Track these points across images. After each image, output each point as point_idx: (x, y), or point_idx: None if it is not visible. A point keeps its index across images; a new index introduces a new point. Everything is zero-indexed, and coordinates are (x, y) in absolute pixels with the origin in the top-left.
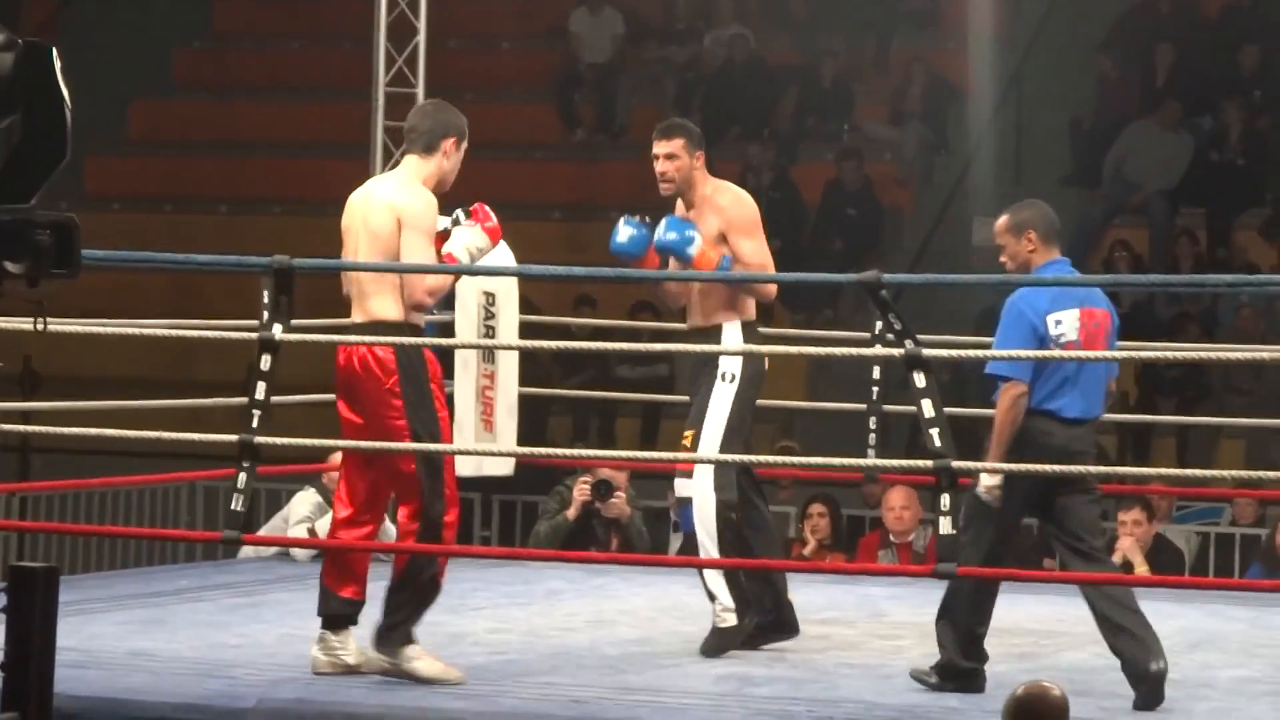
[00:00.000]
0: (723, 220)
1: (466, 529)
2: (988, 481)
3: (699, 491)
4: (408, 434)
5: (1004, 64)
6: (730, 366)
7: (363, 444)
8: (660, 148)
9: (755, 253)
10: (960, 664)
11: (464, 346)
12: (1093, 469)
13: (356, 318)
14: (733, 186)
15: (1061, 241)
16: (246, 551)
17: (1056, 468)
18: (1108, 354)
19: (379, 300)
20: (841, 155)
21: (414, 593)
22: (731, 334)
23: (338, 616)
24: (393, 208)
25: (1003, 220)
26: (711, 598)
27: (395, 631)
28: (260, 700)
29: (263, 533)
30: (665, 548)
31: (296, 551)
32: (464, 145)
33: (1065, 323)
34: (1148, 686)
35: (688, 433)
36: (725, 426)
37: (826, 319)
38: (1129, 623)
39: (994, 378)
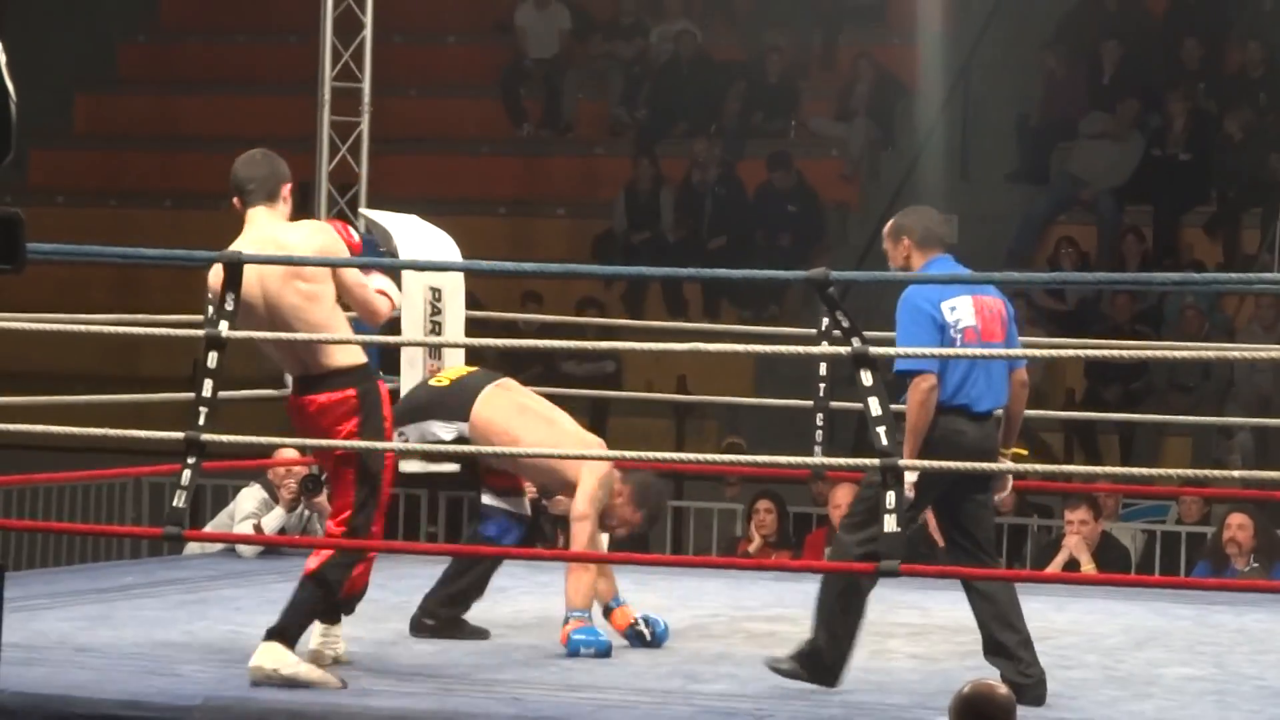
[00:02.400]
0: None
1: (413, 525)
2: (910, 479)
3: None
4: (369, 466)
5: (951, 60)
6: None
7: (330, 443)
8: None
9: None
10: (824, 659)
11: (410, 344)
12: (1039, 467)
13: (300, 370)
14: None
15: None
16: (193, 548)
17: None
18: (1024, 348)
19: (332, 351)
20: (774, 161)
21: (314, 600)
22: None
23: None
24: (315, 248)
25: (887, 225)
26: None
27: (287, 634)
28: (206, 698)
29: (209, 529)
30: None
31: (242, 548)
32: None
33: (960, 308)
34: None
35: None
36: None
37: (773, 315)
38: (1010, 640)
39: (904, 374)
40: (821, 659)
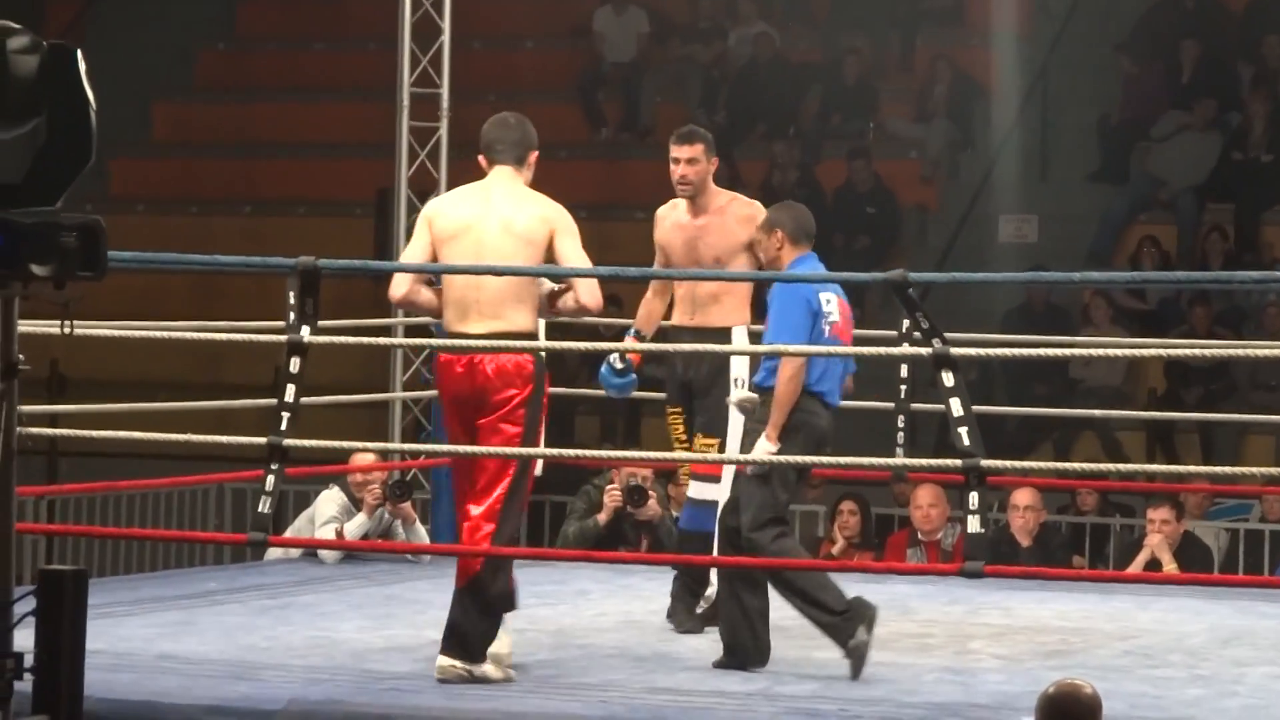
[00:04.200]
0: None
1: None
2: (770, 447)
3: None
4: (518, 442)
5: (1029, 61)
6: (741, 372)
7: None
8: (681, 152)
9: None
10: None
11: (489, 350)
12: (1121, 466)
13: (482, 327)
14: (755, 203)
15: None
16: (274, 552)
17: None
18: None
19: (517, 311)
20: (852, 154)
21: (487, 602)
22: (741, 337)
23: None
24: (545, 218)
25: (762, 219)
26: (703, 589)
27: (473, 641)
28: (290, 702)
29: (288, 533)
30: None
31: (324, 553)
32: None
33: (832, 304)
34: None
35: (710, 440)
36: (740, 434)
37: (854, 318)
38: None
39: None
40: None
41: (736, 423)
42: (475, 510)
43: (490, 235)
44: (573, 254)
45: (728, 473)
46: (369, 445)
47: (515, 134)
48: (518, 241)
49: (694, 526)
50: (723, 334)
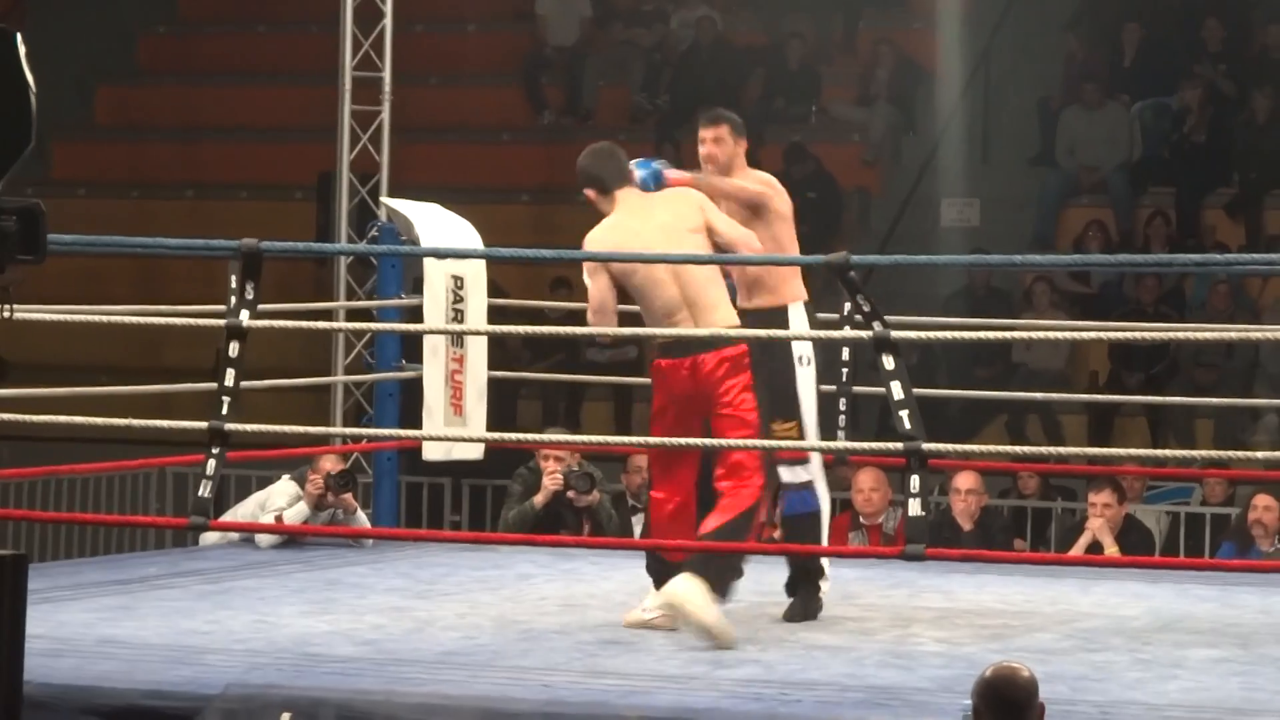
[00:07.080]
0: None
1: (436, 513)
2: None
3: (821, 481)
4: (758, 422)
5: (972, 44)
6: (804, 350)
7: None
8: (707, 133)
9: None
10: None
11: (432, 332)
12: (1063, 450)
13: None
14: (770, 178)
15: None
16: (209, 537)
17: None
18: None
19: (721, 302)
20: (791, 154)
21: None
22: (797, 315)
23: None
24: (691, 201)
25: None
26: (818, 573)
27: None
28: (229, 686)
29: (235, 518)
30: (632, 530)
31: (260, 538)
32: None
33: None
34: None
35: (788, 425)
36: (816, 413)
37: None
38: None
39: None
40: None
41: (809, 402)
42: (727, 484)
43: (661, 246)
44: (720, 220)
45: (813, 458)
46: (330, 430)
47: (620, 162)
48: (686, 237)
49: (800, 510)
50: (779, 313)
